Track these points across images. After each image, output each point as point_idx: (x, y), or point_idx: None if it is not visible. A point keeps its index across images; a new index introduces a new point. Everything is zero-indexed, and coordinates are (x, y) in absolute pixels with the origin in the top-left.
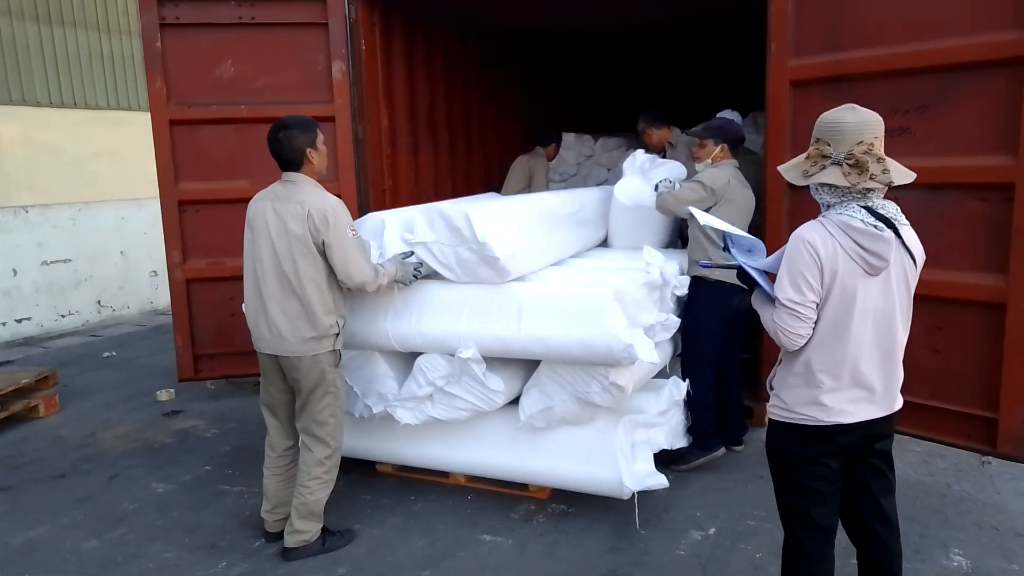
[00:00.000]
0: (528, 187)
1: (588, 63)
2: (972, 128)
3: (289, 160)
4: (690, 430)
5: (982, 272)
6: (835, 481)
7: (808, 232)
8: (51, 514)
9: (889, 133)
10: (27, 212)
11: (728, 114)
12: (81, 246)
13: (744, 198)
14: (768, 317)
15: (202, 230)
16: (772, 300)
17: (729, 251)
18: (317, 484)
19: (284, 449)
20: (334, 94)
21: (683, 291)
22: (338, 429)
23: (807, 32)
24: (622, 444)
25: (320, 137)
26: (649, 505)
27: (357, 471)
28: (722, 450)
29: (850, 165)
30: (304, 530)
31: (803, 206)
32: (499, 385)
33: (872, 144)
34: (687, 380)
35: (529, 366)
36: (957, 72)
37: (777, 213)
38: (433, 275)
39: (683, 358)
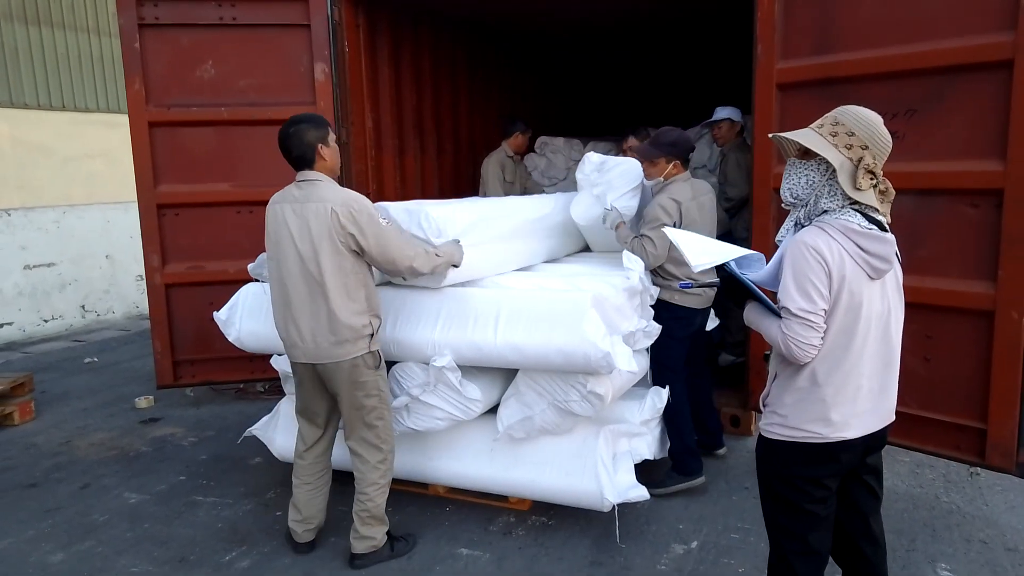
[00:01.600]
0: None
1: (579, 64)
2: (962, 132)
3: (300, 156)
4: (670, 452)
5: (972, 279)
6: (832, 503)
7: (811, 238)
8: (17, 525)
9: None
10: (9, 215)
11: (726, 111)
12: (65, 249)
13: (703, 216)
14: (775, 331)
15: (182, 233)
16: (772, 313)
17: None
18: (375, 490)
19: (316, 457)
20: (316, 96)
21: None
22: (387, 431)
23: (795, 34)
24: (603, 455)
25: (332, 135)
26: (631, 517)
27: (336, 481)
28: (703, 478)
29: (882, 192)
30: (372, 536)
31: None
32: (476, 393)
33: None
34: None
35: (508, 374)
36: (947, 75)
37: (764, 220)
38: (403, 283)
39: (655, 383)
